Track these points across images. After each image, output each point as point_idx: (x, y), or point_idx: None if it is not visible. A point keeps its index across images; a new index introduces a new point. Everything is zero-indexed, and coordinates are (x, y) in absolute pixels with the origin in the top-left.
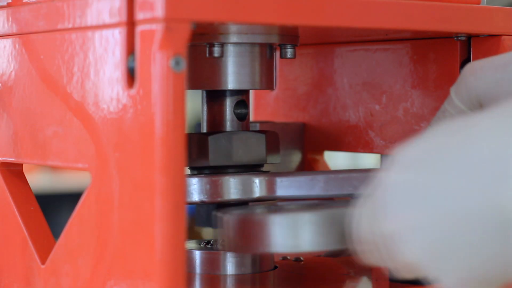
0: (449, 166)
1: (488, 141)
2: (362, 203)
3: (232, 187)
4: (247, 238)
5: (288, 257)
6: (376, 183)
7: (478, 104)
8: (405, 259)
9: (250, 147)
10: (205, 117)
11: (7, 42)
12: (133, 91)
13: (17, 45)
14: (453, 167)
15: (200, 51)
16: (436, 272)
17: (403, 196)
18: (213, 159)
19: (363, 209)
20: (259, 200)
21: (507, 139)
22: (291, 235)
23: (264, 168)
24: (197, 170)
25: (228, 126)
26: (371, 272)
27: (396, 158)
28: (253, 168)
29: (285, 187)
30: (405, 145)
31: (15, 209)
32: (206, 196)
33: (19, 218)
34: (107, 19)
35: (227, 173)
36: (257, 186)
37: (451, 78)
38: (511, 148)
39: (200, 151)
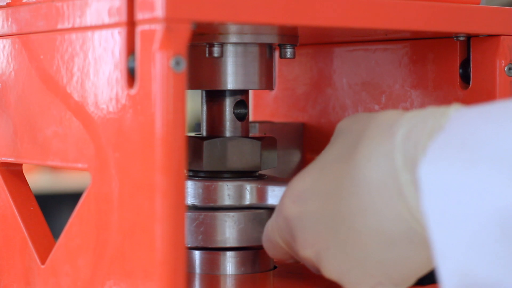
0: (343, 191)
1: (376, 163)
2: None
3: (224, 193)
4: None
5: None
6: (278, 211)
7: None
8: (328, 276)
9: (245, 154)
10: (204, 117)
11: (6, 42)
12: (133, 91)
13: (16, 45)
14: (346, 191)
15: (200, 51)
16: (354, 282)
17: (307, 225)
18: (207, 164)
19: (275, 230)
20: (250, 207)
21: (389, 162)
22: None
23: (263, 171)
24: (193, 173)
25: (228, 126)
26: None
27: (288, 190)
28: (249, 174)
29: (276, 196)
30: (296, 177)
31: (15, 209)
32: (198, 200)
33: (19, 218)
34: (106, 19)
35: (220, 179)
36: (249, 194)
37: (450, 78)
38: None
39: (195, 155)
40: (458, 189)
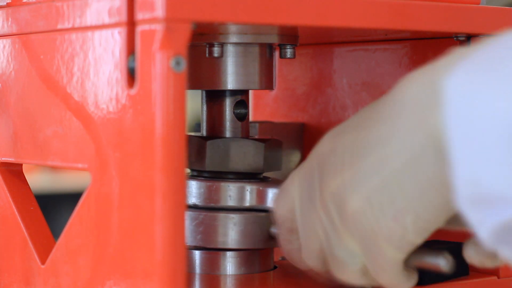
0: (376, 117)
1: (415, 81)
2: (298, 175)
3: (226, 194)
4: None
5: None
6: (311, 155)
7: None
8: (352, 210)
9: (248, 155)
10: (204, 117)
11: (6, 42)
12: (133, 91)
13: (16, 45)
14: (378, 121)
15: (200, 51)
16: (379, 218)
17: (338, 158)
18: (210, 164)
19: (303, 181)
20: (250, 209)
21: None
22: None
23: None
24: (197, 172)
25: (228, 126)
26: None
27: (329, 131)
28: (252, 176)
29: None
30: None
31: (15, 209)
32: (199, 200)
33: (19, 218)
34: (106, 19)
35: (222, 179)
36: (249, 195)
37: None
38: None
39: (198, 154)
40: (478, 101)
